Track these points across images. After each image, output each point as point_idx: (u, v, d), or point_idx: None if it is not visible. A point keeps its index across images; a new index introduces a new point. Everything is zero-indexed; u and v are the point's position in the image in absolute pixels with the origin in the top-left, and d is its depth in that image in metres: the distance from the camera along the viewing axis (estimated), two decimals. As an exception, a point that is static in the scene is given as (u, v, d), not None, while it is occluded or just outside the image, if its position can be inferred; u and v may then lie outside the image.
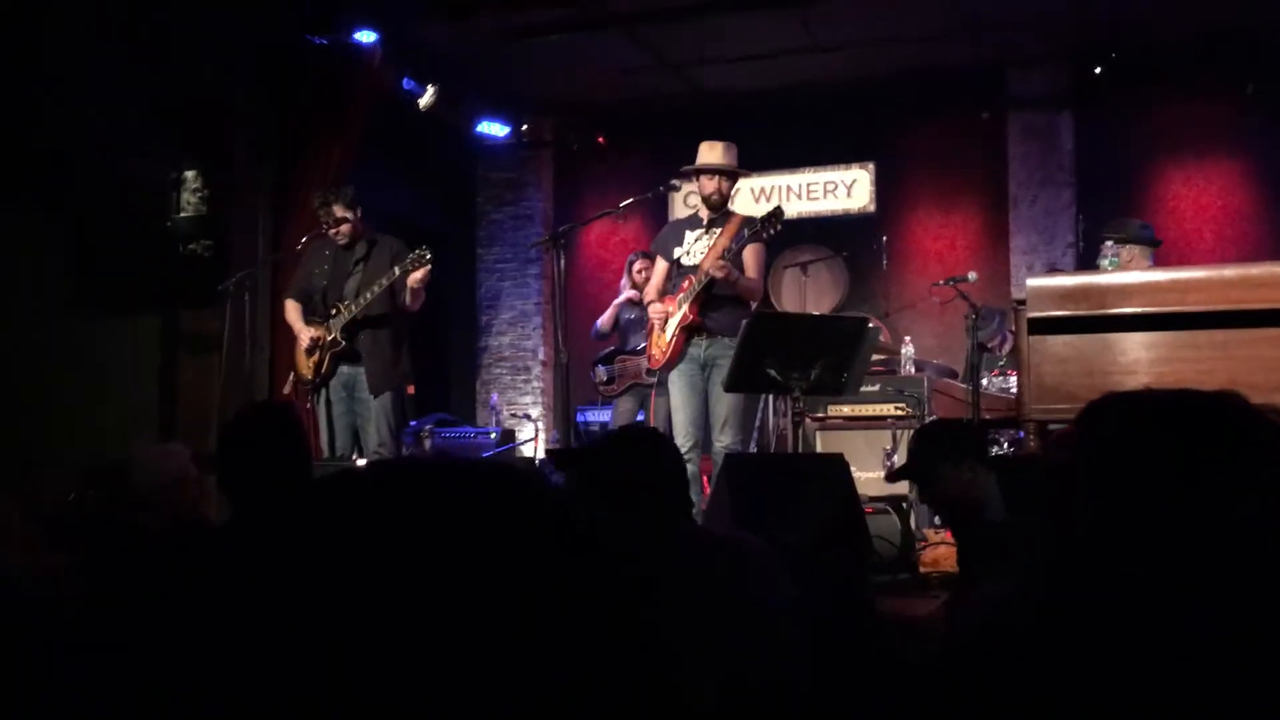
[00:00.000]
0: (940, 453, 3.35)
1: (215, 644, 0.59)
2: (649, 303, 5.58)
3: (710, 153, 5.49)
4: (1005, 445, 5.82)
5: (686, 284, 5.31)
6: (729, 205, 5.53)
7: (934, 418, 5.75)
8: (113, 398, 6.08)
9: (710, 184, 5.43)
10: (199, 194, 6.45)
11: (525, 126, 9.33)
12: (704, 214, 5.50)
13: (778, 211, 5.22)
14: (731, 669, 1.82)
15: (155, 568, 2.28)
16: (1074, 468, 1.15)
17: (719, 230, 5.37)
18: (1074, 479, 1.13)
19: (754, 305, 5.49)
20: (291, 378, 5.84)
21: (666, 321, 5.35)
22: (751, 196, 8.98)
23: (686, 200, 8.21)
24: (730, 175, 5.49)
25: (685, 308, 5.27)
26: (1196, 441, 1.06)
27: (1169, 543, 1.02)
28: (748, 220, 5.34)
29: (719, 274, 5.12)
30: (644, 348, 6.94)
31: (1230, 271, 4.45)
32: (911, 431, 5.63)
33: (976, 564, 3.10)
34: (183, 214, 6.42)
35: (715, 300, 5.25)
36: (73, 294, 6.03)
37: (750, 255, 5.30)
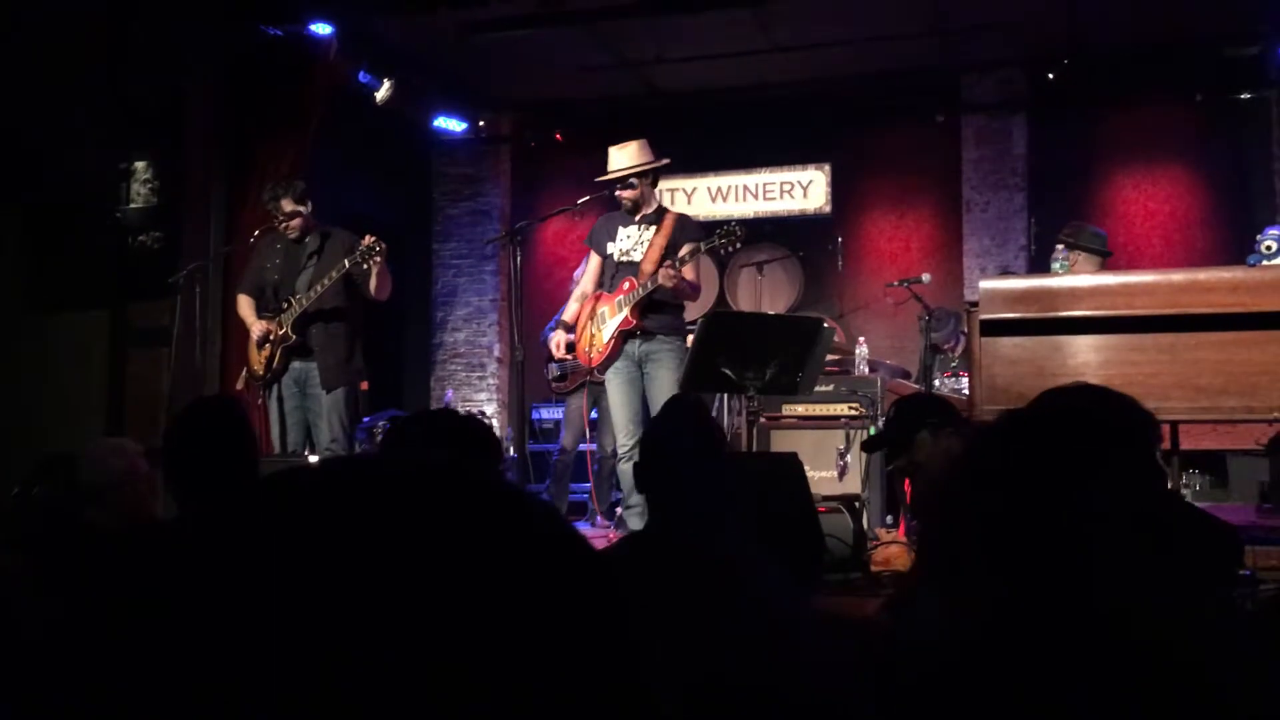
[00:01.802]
0: (919, 420, 3.33)
1: (163, 645, 0.58)
2: (581, 297, 5.53)
3: (617, 156, 5.42)
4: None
5: (627, 285, 5.26)
6: (657, 201, 5.50)
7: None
8: (60, 390, 5.99)
9: (626, 192, 5.38)
10: (149, 185, 6.37)
11: (483, 122, 9.29)
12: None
13: (733, 230, 5.13)
14: (708, 672, 1.82)
15: (104, 566, 2.25)
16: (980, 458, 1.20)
17: (654, 228, 5.35)
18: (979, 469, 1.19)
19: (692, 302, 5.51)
20: (244, 373, 5.78)
21: (604, 321, 5.33)
22: (708, 196, 9.00)
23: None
24: (643, 174, 5.39)
25: (626, 311, 5.23)
26: (1076, 436, 1.13)
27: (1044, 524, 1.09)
28: (690, 228, 5.32)
29: (669, 284, 5.09)
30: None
31: (1178, 276, 4.52)
32: (864, 432, 5.67)
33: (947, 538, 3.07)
34: (132, 205, 6.34)
35: (654, 303, 5.24)
36: (20, 284, 5.93)
37: (687, 254, 5.28)
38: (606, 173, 5.49)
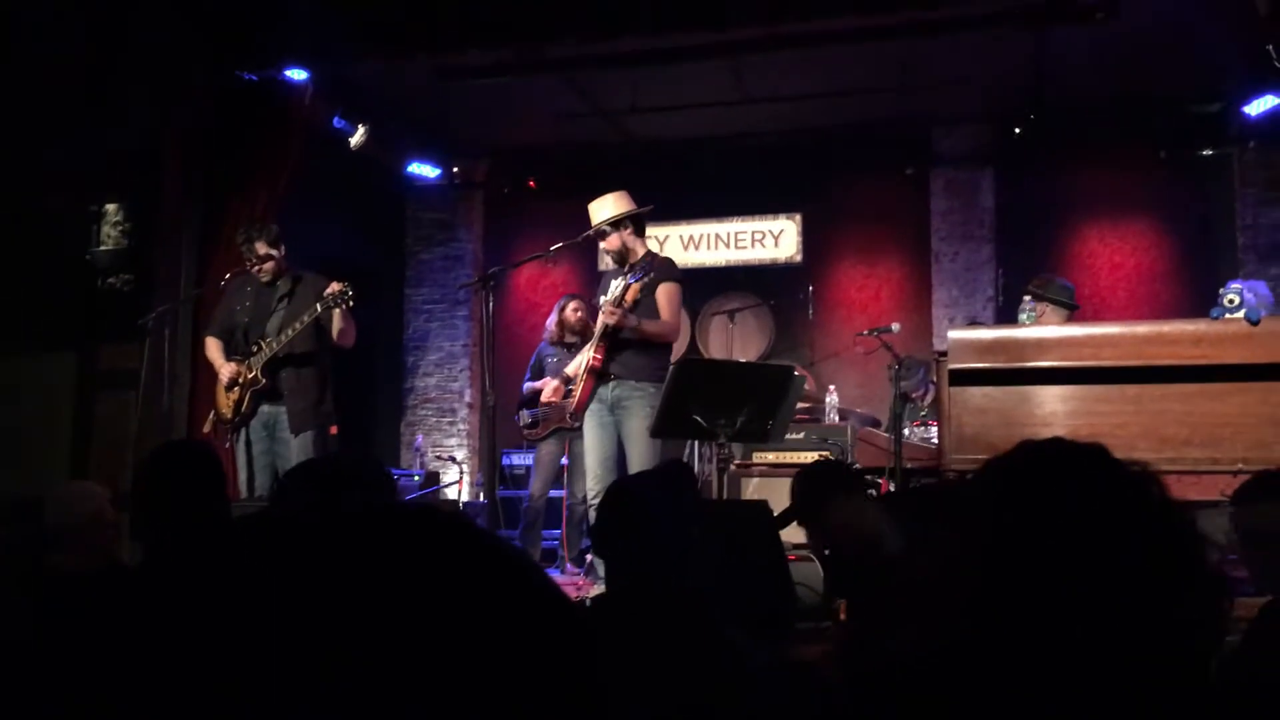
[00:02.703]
0: (829, 487, 3.29)
1: (126, 693, 0.58)
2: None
3: (597, 211, 5.46)
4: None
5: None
6: (644, 249, 5.52)
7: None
8: (26, 432, 5.91)
9: (608, 243, 5.44)
10: (119, 227, 6.35)
11: (456, 168, 9.33)
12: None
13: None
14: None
15: (66, 613, 2.22)
16: (973, 508, 1.18)
17: (634, 276, 5.37)
18: (969, 524, 1.17)
19: (673, 345, 5.48)
20: (211, 416, 5.73)
21: (582, 364, 5.36)
22: (680, 244, 9.06)
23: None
24: (622, 223, 5.42)
25: (591, 352, 5.27)
26: (1068, 492, 1.11)
27: (1036, 583, 1.07)
28: (659, 268, 5.33)
29: (609, 320, 5.13)
30: (568, 391, 6.96)
31: (1142, 329, 4.59)
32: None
33: (875, 601, 2.93)
34: (102, 247, 6.31)
35: (621, 344, 5.23)
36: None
37: (662, 296, 5.28)
38: (588, 224, 5.55)
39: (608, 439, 5.25)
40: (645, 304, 5.24)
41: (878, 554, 2.95)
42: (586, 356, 5.29)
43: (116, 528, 3.36)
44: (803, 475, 3.59)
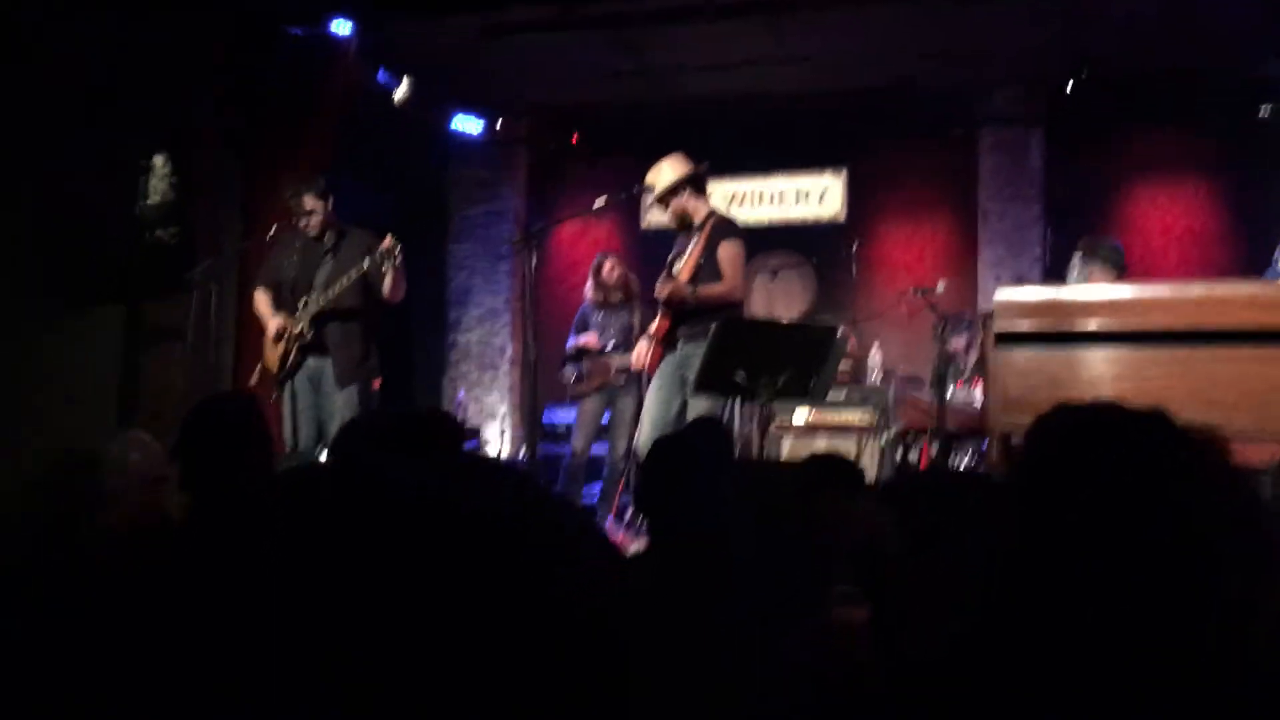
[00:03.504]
0: (827, 484, 3.26)
1: (184, 645, 0.59)
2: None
3: (654, 178, 5.46)
4: (971, 456, 5.86)
5: None
6: (707, 208, 5.48)
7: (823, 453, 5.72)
8: (72, 388, 5.99)
9: (671, 208, 5.45)
10: (168, 180, 6.39)
11: (500, 124, 9.31)
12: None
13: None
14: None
15: (119, 571, 2.24)
16: (1016, 483, 1.14)
17: (696, 240, 5.37)
18: (1015, 495, 1.13)
19: (741, 302, 5.48)
20: (258, 369, 5.79)
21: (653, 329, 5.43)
22: (724, 202, 9.00)
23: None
24: (680, 187, 5.41)
25: (659, 319, 5.35)
26: (1127, 457, 1.06)
27: (1093, 555, 1.02)
28: (720, 230, 5.32)
29: (660, 295, 5.24)
30: (613, 346, 6.97)
31: (1195, 290, 4.50)
32: (876, 440, 5.65)
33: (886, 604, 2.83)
34: (150, 200, 6.35)
35: (693, 312, 5.24)
36: (33, 281, 5.93)
37: (724, 257, 5.26)
38: (631, 182, 5.56)
39: (670, 401, 5.26)
40: (708, 266, 5.23)
41: (881, 555, 2.88)
42: (657, 321, 5.36)
43: (166, 477, 3.40)
44: (799, 471, 3.56)
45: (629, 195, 5.90)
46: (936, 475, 4.13)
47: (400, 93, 7.78)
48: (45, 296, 5.94)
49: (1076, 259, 5.65)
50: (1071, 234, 6.58)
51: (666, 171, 5.41)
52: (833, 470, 3.41)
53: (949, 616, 1.11)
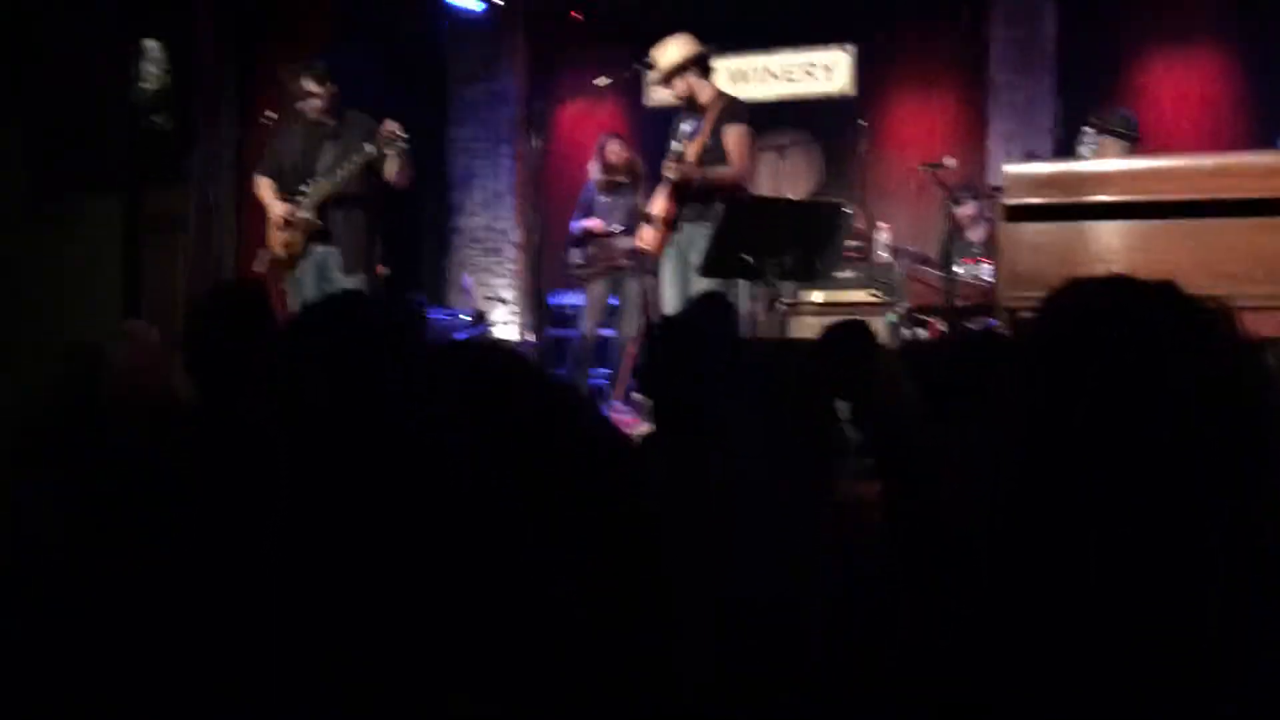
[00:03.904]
0: (852, 353, 3.24)
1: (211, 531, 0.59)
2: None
3: (658, 57, 5.37)
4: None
5: None
6: (712, 89, 5.40)
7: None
8: (73, 280, 5.97)
9: (675, 88, 5.37)
10: (162, 65, 6.27)
11: (500, 1, 9.09)
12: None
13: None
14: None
15: (140, 454, 2.25)
16: (1030, 354, 1.12)
17: (702, 120, 5.30)
18: (1030, 366, 1.11)
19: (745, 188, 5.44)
20: (263, 255, 5.77)
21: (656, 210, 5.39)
22: (729, 78, 8.83)
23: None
24: (686, 68, 5.32)
25: (663, 201, 5.30)
26: (1136, 332, 1.04)
27: (1103, 435, 1.01)
28: (730, 111, 5.25)
29: (669, 175, 5.17)
30: (619, 230, 6.93)
31: (1207, 161, 4.44)
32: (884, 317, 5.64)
33: (902, 472, 2.75)
34: (144, 84, 6.24)
35: (697, 193, 5.21)
36: (27, 171, 5.86)
37: (731, 140, 5.21)
38: (636, 59, 5.49)
39: (682, 285, 5.28)
40: (714, 149, 5.18)
41: (900, 418, 2.83)
42: (659, 204, 5.32)
43: (169, 366, 3.41)
44: (822, 342, 3.51)
45: (631, 73, 5.79)
46: (954, 337, 4.12)
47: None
48: (40, 187, 5.88)
49: (1087, 131, 5.56)
50: (1085, 105, 6.46)
51: (672, 50, 5.32)
52: (850, 333, 3.40)
53: (962, 494, 1.10)
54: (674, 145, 5.39)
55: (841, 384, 3.09)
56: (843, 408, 3.92)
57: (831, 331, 3.66)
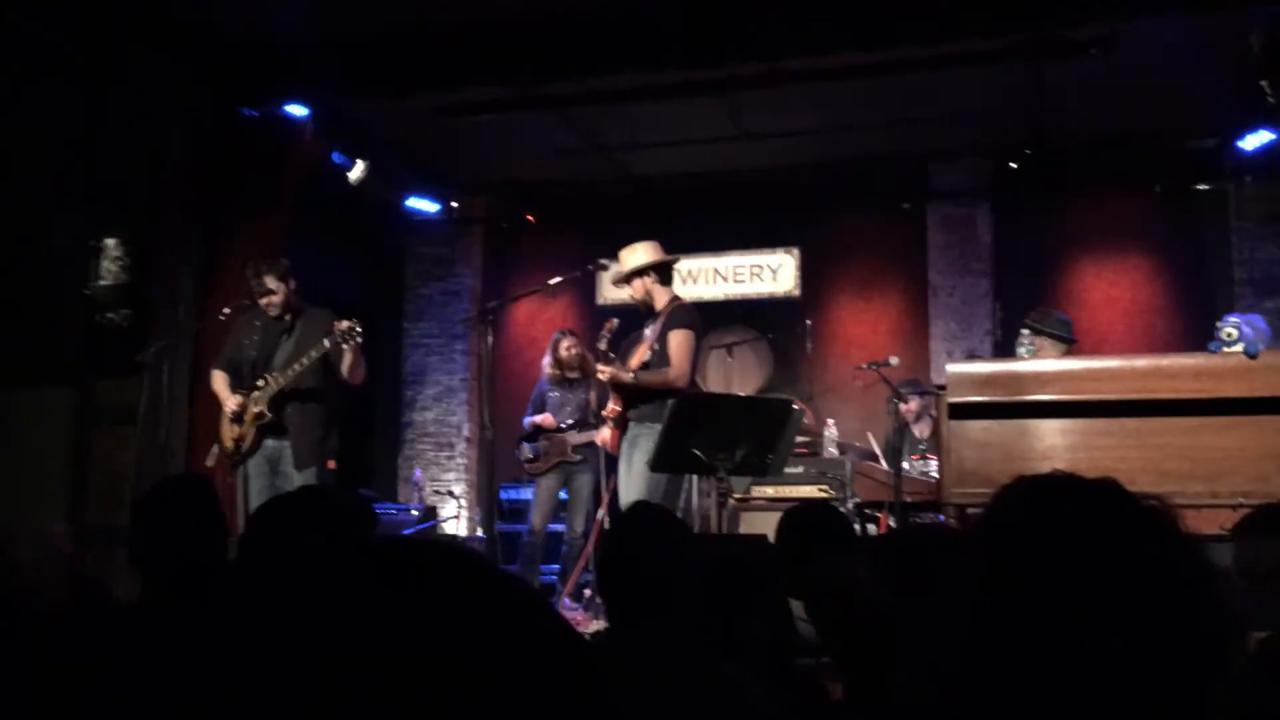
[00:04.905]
0: (813, 534, 3.26)
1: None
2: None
3: (623, 259, 5.57)
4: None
5: None
6: (669, 297, 5.56)
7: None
8: (22, 467, 5.88)
9: (633, 289, 5.56)
10: (119, 262, 6.35)
11: (456, 204, 9.36)
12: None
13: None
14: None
15: (53, 650, 2.18)
16: (976, 554, 1.16)
17: (655, 327, 5.44)
18: (976, 565, 1.14)
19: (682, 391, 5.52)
20: (215, 449, 5.71)
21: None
22: (679, 278, 9.08)
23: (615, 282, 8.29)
24: (645, 272, 5.51)
25: (610, 402, 5.47)
26: (1080, 529, 1.08)
27: (1055, 624, 1.04)
28: (674, 317, 5.40)
29: (602, 377, 5.42)
30: (569, 425, 6.98)
31: (1142, 362, 4.60)
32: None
33: (864, 657, 2.73)
34: (102, 281, 6.31)
35: (640, 394, 5.31)
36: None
37: (672, 344, 5.32)
38: (587, 259, 5.66)
39: (629, 482, 5.34)
40: (661, 352, 5.30)
41: (861, 605, 2.81)
42: (609, 406, 5.50)
43: (72, 562, 3.31)
44: (786, 517, 3.54)
45: (585, 272, 5.97)
46: (912, 532, 4.10)
47: (355, 173, 7.81)
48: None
49: (1025, 333, 5.74)
50: (1021, 308, 6.70)
51: (640, 253, 5.52)
52: (820, 518, 3.39)
53: (923, 673, 1.11)
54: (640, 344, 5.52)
55: (795, 582, 3.08)
56: (797, 606, 3.89)
57: (790, 517, 3.66)
